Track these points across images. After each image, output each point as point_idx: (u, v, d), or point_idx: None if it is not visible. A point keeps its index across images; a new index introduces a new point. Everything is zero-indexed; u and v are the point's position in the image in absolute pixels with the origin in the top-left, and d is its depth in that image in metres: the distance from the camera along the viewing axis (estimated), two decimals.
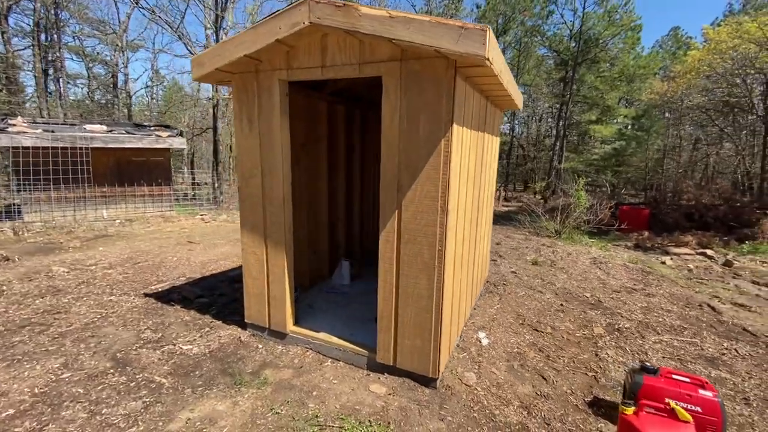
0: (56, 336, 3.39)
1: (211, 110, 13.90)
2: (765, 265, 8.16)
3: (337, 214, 5.07)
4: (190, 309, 4.12)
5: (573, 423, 2.57)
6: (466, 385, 2.89)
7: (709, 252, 9.03)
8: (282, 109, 3.02)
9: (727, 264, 8.18)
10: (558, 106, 19.15)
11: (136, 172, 9.68)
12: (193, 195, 12.87)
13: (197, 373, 2.94)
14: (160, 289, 4.72)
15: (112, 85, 19.11)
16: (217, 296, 4.55)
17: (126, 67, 18.74)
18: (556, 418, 2.60)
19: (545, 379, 3.09)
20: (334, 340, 3.24)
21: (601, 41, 16.80)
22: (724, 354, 3.73)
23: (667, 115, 17.41)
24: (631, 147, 16.36)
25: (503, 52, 19.67)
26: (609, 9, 16.56)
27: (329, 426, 2.41)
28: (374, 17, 2.32)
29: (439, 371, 2.80)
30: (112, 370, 2.91)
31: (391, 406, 2.61)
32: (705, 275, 7.46)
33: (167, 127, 10.91)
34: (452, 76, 2.39)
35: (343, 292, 4.41)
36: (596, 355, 3.54)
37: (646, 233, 10.53)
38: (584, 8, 17.17)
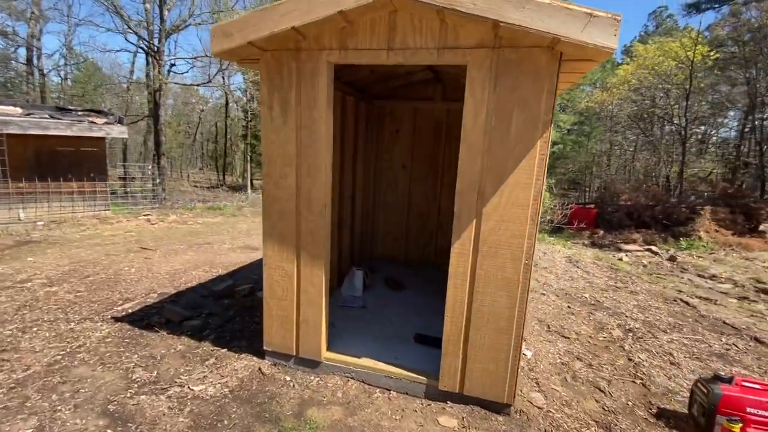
0: (13, 386, 2.52)
1: (145, 95, 12.24)
2: (701, 259, 9.20)
3: (343, 215, 4.58)
4: (180, 335, 3.39)
5: None
6: (537, 407, 2.67)
7: (654, 248, 9.98)
8: (329, 98, 2.52)
9: (672, 259, 9.09)
10: None
11: (62, 164, 8.10)
12: (125, 192, 11.18)
13: (226, 423, 2.35)
14: (130, 311, 3.86)
15: (13, 61, 16.03)
16: (207, 316, 3.84)
17: (39, 40, 15.82)
18: None
19: (602, 391, 2.99)
20: (382, 366, 2.82)
21: None
22: (729, 350, 3.97)
23: (600, 121, 19.15)
24: (573, 150, 17.70)
25: None
26: None
27: None
28: None
29: (514, 397, 2.54)
30: None
31: None
32: (659, 270, 8.18)
33: (100, 112, 9.31)
34: (555, 71, 2.12)
35: (360, 306, 3.96)
36: (629, 359, 3.55)
37: (601, 231, 11.38)
38: None
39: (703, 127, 21.94)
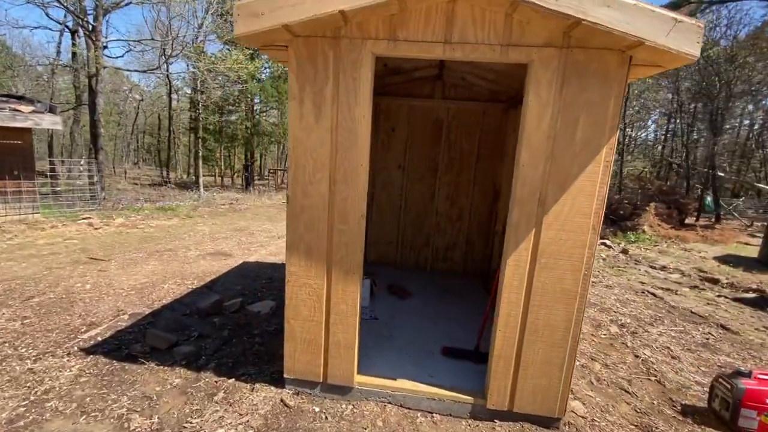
0: None
1: (71, 80, 10.65)
2: (648, 251, 10.07)
3: None
4: (172, 365, 2.91)
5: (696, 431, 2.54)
6: (581, 416, 2.63)
7: (607, 242, 10.76)
8: (371, 94, 2.24)
9: (624, 252, 9.85)
10: None
11: None
12: (55, 191, 9.65)
13: None
14: (100, 339, 3.25)
15: None
16: (198, 340, 3.35)
17: None
18: None
19: (627, 392, 3.04)
20: (423, 388, 2.61)
21: None
22: (708, 339, 4.30)
23: None
24: None
25: None
26: None
27: None
28: None
29: (565, 410, 2.47)
30: None
31: None
32: (617, 263, 8.80)
33: (22, 98, 7.93)
34: (624, 75, 2.03)
35: (371, 318, 3.70)
36: (636, 356, 3.68)
37: None
38: None
39: (628, 130, 24.25)
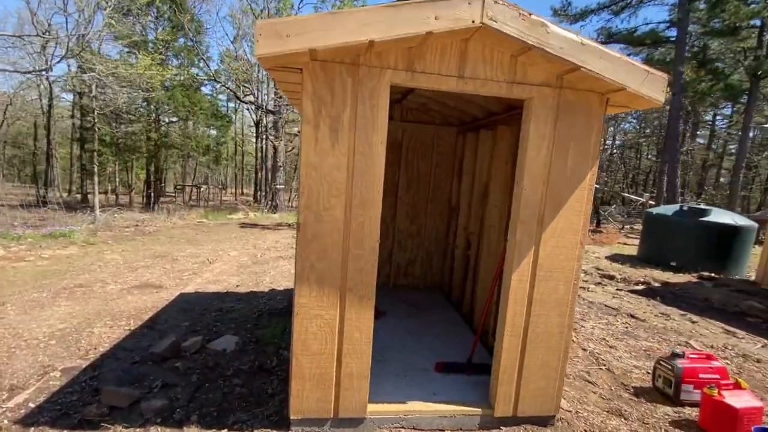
0: None
1: None
2: None
3: None
4: (145, 425, 2.47)
5: (651, 415, 3.01)
6: (566, 411, 2.93)
7: None
8: (387, 120, 2.27)
9: None
10: None
11: None
12: None
13: None
14: (33, 405, 2.59)
15: None
16: (163, 390, 2.89)
17: None
18: (641, 416, 2.98)
19: (589, 382, 3.48)
20: (435, 407, 2.65)
21: None
22: (627, 327, 5.13)
23: None
24: None
25: None
26: None
27: None
28: (564, 38, 2.09)
29: (558, 408, 2.74)
30: None
31: None
32: None
33: None
34: (603, 113, 2.42)
35: None
36: (584, 349, 4.23)
37: None
38: None
39: None
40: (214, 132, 18.04)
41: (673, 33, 16.60)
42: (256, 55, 1.91)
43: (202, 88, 17.41)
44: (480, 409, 2.66)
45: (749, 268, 8.99)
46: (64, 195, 17.37)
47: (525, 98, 2.37)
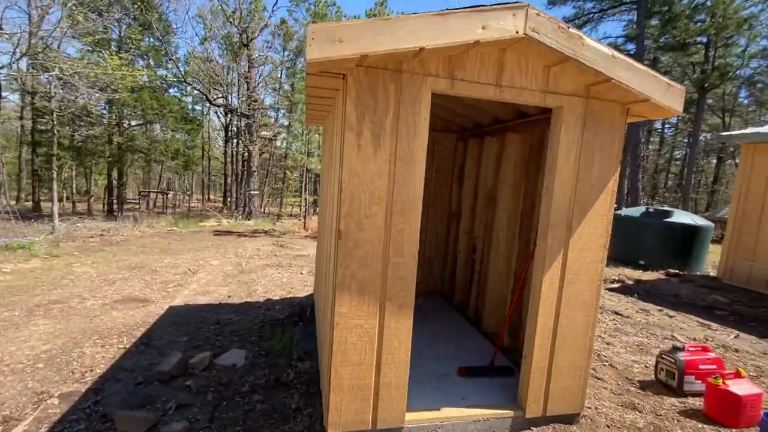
0: None
1: None
2: None
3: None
4: None
5: (661, 406, 3.18)
6: (588, 407, 3.03)
7: None
8: (427, 128, 2.27)
9: None
10: None
11: None
12: None
13: None
14: None
15: None
16: (178, 411, 2.72)
17: None
18: (652, 408, 3.14)
19: (599, 378, 3.62)
20: (469, 412, 2.65)
21: None
22: (616, 324, 5.41)
23: None
24: None
25: None
26: None
27: None
28: (598, 51, 2.20)
29: (584, 405, 2.83)
30: None
31: None
32: None
33: None
34: (624, 123, 2.55)
35: None
36: None
37: None
38: None
39: None
40: (182, 136, 17.24)
41: (629, 47, 17.86)
42: (308, 60, 1.86)
43: (171, 90, 16.66)
44: (512, 411, 2.70)
45: (707, 265, 9.76)
46: (12, 203, 15.87)
47: (555, 107, 2.46)
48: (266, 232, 13.71)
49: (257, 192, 15.62)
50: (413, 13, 1.98)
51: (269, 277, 6.74)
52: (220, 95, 16.98)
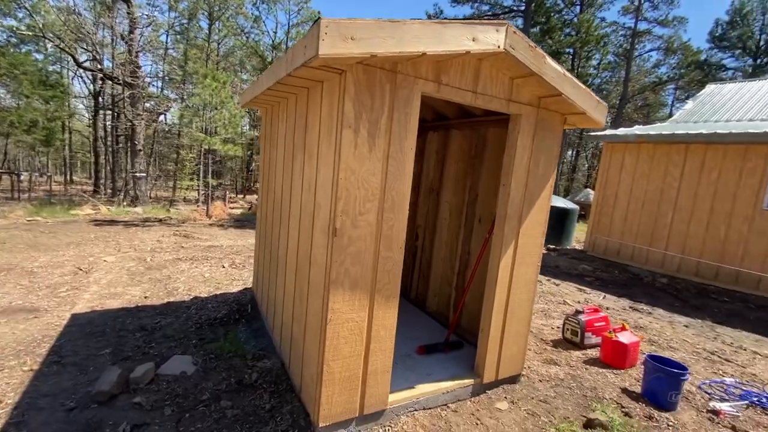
0: None
1: None
2: None
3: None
4: None
5: (571, 359, 3.95)
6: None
7: None
8: (416, 128, 2.39)
9: None
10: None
11: None
12: None
13: None
14: None
15: None
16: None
17: None
18: (566, 361, 3.89)
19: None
20: (437, 386, 2.94)
21: None
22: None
23: None
24: None
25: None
26: None
27: None
28: (555, 69, 2.58)
29: (523, 366, 3.37)
30: None
31: (531, 414, 2.97)
32: None
33: None
34: (562, 129, 3.04)
35: None
36: None
37: None
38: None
39: None
40: (41, 104, 13.58)
41: None
42: (320, 55, 1.80)
43: (24, 47, 12.84)
44: (472, 380, 3.09)
45: (573, 240, 11.99)
46: None
47: (515, 114, 2.80)
48: (161, 220, 12.15)
49: (144, 174, 13.58)
50: (415, 19, 2.05)
51: (187, 273, 6.10)
52: (90, 57, 13.97)
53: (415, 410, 2.83)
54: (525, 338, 3.28)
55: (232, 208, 16.15)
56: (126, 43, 12.14)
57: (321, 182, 2.43)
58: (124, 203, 13.43)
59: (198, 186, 14.33)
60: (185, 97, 15.31)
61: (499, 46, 2.29)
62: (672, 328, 5.27)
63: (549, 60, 2.54)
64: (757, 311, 6.45)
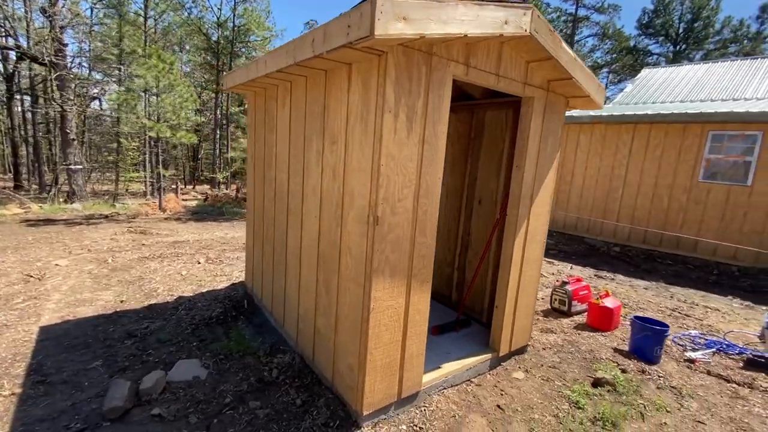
0: None
1: None
2: None
3: None
4: None
5: (563, 326, 4.26)
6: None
7: None
8: (448, 112, 2.37)
9: None
10: (214, 95, 18.48)
11: None
12: None
13: None
14: None
15: None
16: None
17: None
18: (559, 328, 4.19)
19: None
20: (462, 363, 3.04)
21: (248, 39, 17.83)
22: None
23: None
24: None
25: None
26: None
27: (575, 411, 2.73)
28: (568, 53, 2.68)
29: (530, 337, 3.58)
30: None
31: (546, 380, 3.19)
32: None
33: None
34: (565, 111, 3.18)
35: None
36: None
37: None
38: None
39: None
40: None
41: None
42: (376, 35, 1.71)
43: None
44: (489, 354, 3.23)
45: None
46: None
47: (528, 97, 2.88)
48: (107, 217, 11.07)
49: (81, 167, 12.18)
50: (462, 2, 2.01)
51: (161, 272, 5.66)
52: (2, 33, 11.94)
53: (444, 388, 2.91)
54: (533, 311, 3.48)
55: (185, 200, 15.09)
56: (47, 17, 10.59)
57: (352, 170, 2.35)
58: (60, 200, 12.01)
59: (145, 177, 13.14)
60: (123, 79, 13.68)
61: (525, 30, 2.33)
62: (635, 291, 5.86)
63: (564, 44, 2.63)
64: (697, 271, 7.36)
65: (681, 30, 29.18)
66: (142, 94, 10.85)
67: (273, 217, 3.63)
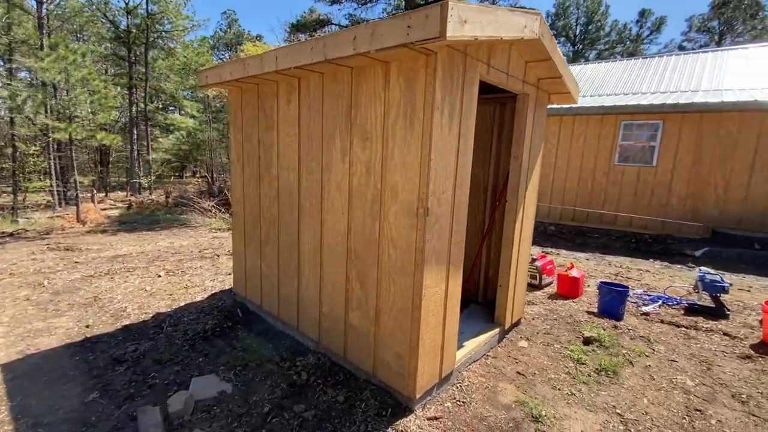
0: None
1: None
2: None
3: None
4: None
5: (538, 297, 4.78)
6: None
7: None
8: (476, 108, 2.56)
9: None
10: (127, 91, 16.27)
11: None
12: None
13: None
14: None
15: None
16: None
17: None
18: (537, 300, 4.69)
19: None
20: (479, 340, 3.30)
21: (162, 28, 16.01)
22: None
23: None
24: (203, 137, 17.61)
25: None
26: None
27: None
28: (560, 55, 3.04)
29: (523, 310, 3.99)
30: None
31: (546, 345, 3.60)
32: None
33: None
34: (547, 105, 3.58)
35: None
36: None
37: None
38: None
39: None
40: None
41: None
42: (448, 36, 1.82)
43: None
44: (497, 329, 3.55)
45: None
46: None
47: (525, 93, 3.20)
48: (11, 234, 9.42)
49: None
50: (486, 4, 2.19)
51: (120, 291, 5.05)
52: None
53: (469, 364, 3.15)
54: (525, 286, 3.87)
55: (104, 209, 13.36)
56: None
57: (394, 165, 2.42)
58: None
59: (52, 187, 11.29)
60: (13, 72, 11.40)
61: (536, 34, 2.61)
62: (579, 263, 6.73)
63: (558, 49, 2.98)
64: (619, 241, 8.64)
65: (578, 32, 33.26)
66: (51, 90, 9.30)
67: (276, 218, 3.52)
